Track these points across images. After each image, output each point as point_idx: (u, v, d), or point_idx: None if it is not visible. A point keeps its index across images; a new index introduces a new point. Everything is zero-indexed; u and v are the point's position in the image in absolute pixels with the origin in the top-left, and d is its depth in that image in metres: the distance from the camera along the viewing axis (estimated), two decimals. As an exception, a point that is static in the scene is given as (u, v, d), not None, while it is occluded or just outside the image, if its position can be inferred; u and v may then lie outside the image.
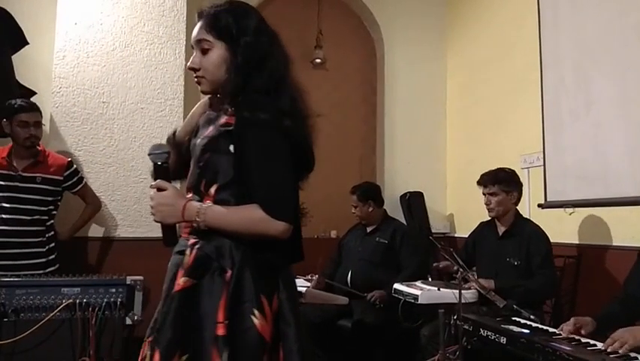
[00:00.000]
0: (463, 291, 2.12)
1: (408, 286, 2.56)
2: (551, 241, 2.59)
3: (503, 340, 1.82)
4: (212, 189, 1.25)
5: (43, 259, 2.60)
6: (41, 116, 2.66)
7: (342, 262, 3.44)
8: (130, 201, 3.06)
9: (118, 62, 3.11)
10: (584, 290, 2.85)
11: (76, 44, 3.07)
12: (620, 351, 1.56)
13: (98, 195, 2.95)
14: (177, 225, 1.28)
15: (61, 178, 2.70)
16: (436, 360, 2.17)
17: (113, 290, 2.28)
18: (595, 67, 2.78)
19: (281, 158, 1.22)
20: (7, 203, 2.53)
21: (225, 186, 1.24)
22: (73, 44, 3.06)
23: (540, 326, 1.94)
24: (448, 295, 2.33)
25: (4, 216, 2.52)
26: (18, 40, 2.88)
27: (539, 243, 2.56)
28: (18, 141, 2.57)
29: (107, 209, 3.03)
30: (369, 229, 3.41)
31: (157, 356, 1.15)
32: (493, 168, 2.79)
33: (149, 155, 1.29)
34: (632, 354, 1.54)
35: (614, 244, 2.70)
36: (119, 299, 2.28)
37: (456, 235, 4.33)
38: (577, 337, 1.76)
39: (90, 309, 2.22)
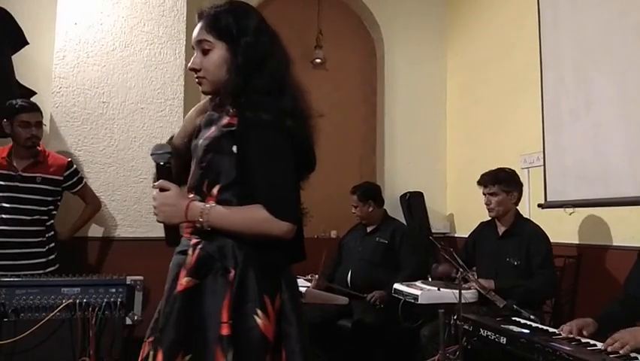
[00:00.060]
0: (463, 291, 2.11)
1: (408, 286, 2.56)
2: (551, 241, 2.59)
3: (503, 340, 1.82)
4: (215, 190, 1.25)
5: (43, 259, 2.60)
6: (42, 116, 2.66)
7: (342, 262, 3.44)
8: (130, 201, 3.06)
9: (118, 62, 3.11)
10: (584, 290, 2.85)
11: (76, 44, 3.07)
12: (620, 352, 1.56)
13: (98, 195, 2.95)
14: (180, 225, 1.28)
15: (61, 178, 2.70)
16: (436, 360, 2.17)
17: (113, 290, 2.28)
18: (595, 67, 2.78)
19: (284, 158, 1.22)
20: (7, 203, 2.53)
21: (228, 187, 1.25)
22: (73, 44, 3.06)
23: (540, 326, 1.94)
24: (448, 295, 2.33)
25: (4, 216, 2.52)
26: (18, 40, 2.87)
27: (539, 243, 2.56)
28: (19, 141, 2.57)
29: (107, 209, 3.03)
30: (369, 229, 3.41)
31: (160, 357, 1.15)
32: (493, 168, 2.79)
33: (151, 155, 1.29)
34: (633, 354, 1.54)
35: (614, 244, 2.70)
36: (119, 299, 2.28)
37: (456, 235, 4.33)
38: (577, 337, 1.77)
39: (90, 309, 2.22)
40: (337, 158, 4.38)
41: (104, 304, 2.25)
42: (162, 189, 1.25)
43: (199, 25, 1.31)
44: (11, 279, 2.23)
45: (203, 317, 1.18)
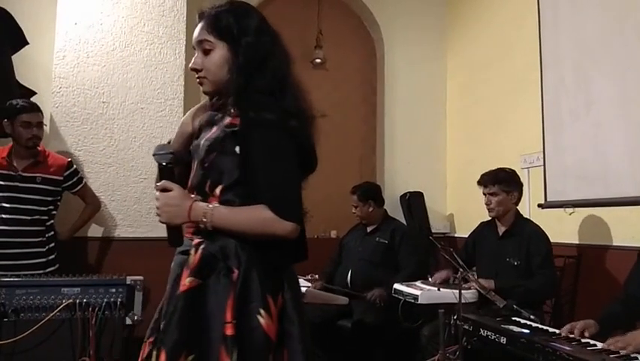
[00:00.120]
0: (463, 291, 2.12)
1: (408, 286, 2.56)
2: (551, 241, 2.59)
3: (503, 340, 1.83)
4: (218, 190, 1.25)
5: (43, 259, 2.60)
6: (43, 117, 2.66)
7: (342, 261, 3.44)
8: (130, 201, 3.06)
9: (118, 62, 3.11)
10: (584, 290, 2.85)
11: (76, 44, 3.07)
12: (621, 352, 1.56)
13: (98, 195, 2.95)
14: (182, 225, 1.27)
15: (61, 178, 2.70)
16: (436, 360, 2.17)
17: (113, 290, 2.28)
18: (595, 67, 2.78)
19: (287, 158, 1.22)
20: (7, 203, 2.53)
21: (230, 187, 1.24)
22: (73, 44, 3.06)
23: (540, 326, 1.94)
24: (448, 295, 2.33)
25: (4, 216, 2.52)
26: (18, 40, 2.87)
27: (539, 243, 2.56)
28: (20, 141, 2.57)
29: (107, 209, 3.03)
30: (369, 229, 3.41)
31: (163, 357, 1.15)
32: (494, 168, 2.79)
33: (153, 155, 1.29)
34: (633, 354, 1.54)
35: (614, 244, 2.70)
36: (119, 299, 2.28)
37: (456, 235, 4.33)
38: (577, 337, 1.77)
39: (90, 309, 2.22)
40: (337, 158, 4.38)
41: (104, 304, 2.24)
42: (165, 190, 1.24)
43: (200, 26, 1.31)
44: (11, 279, 2.23)
45: (207, 317, 1.17)
